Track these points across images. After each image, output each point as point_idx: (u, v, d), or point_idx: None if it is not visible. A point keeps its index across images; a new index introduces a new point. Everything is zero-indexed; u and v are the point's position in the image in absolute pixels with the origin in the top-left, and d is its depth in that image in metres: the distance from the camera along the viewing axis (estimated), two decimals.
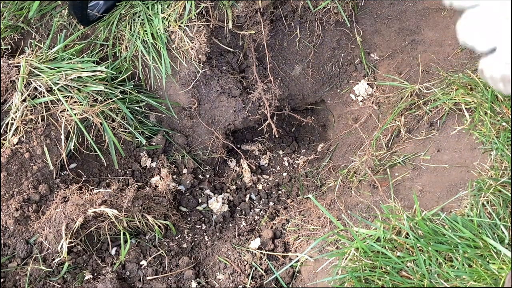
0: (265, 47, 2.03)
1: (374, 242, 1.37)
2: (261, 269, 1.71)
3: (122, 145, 1.85)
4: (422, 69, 1.92)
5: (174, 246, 1.75)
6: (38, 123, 1.67)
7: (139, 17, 1.83)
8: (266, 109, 2.03)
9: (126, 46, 1.88)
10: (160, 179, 1.87)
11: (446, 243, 1.30)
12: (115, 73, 1.84)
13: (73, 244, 1.58)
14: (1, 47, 1.82)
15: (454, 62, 1.91)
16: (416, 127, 1.75)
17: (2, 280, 1.52)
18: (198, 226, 1.89)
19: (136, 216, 1.65)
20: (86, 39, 1.88)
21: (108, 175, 1.85)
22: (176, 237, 1.80)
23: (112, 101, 1.79)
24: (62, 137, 1.68)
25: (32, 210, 1.62)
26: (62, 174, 1.74)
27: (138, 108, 1.92)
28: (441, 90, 1.71)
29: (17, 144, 1.63)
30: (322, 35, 2.11)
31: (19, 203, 1.60)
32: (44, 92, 1.65)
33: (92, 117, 1.72)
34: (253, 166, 2.19)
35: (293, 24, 2.08)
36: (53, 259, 1.57)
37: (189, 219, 1.90)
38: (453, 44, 1.91)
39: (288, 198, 2.07)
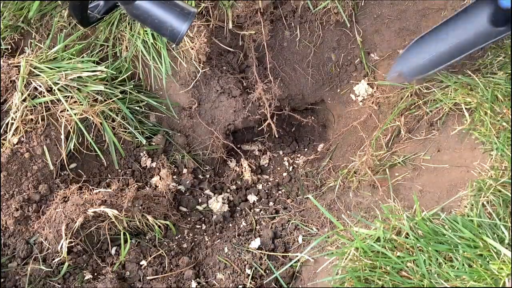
0: (265, 47, 2.03)
1: (374, 242, 1.37)
2: (261, 269, 1.71)
3: (122, 145, 1.85)
4: None
5: (174, 246, 1.75)
6: (38, 123, 1.67)
7: None
8: (266, 109, 2.04)
9: (126, 46, 1.88)
10: (160, 179, 1.87)
11: (446, 243, 1.30)
12: (115, 73, 1.84)
13: (73, 244, 1.58)
14: (1, 47, 1.82)
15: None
16: (416, 127, 1.75)
17: (2, 280, 1.52)
18: (198, 226, 1.89)
19: (136, 216, 1.65)
20: (86, 39, 1.88)
21: (108, 175, 1.84)
22: (176, 237, 1.80)
23: (112, 101, 1.79)
24: (62, 137, 1.68)
25: (32, 210, 1.62)
26: (62, 174, 1.74)
27: (138, 108, 1.92)
28: (441, 90, 1.71)
29: (17, 144, 1.63)
30: (322, 35, 2.11)
31: (19, 203, 1.60)
32: (44, 92, 1.65)
33: (92, 117, 1.72)
34: (253, 166, 2.19)
35: (293, 24, 2.08)
36: (53, 259, 1.57)
37: (189, 219, 1.90)
38: None
39: (288, 198, 2.07)
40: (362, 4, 2.05)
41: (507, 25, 1.60)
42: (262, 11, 1.97)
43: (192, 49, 1.85)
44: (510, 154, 1.42)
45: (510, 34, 1.59)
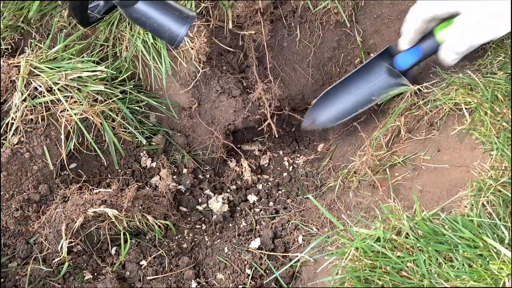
0: (265, 47, 2.03)
1: (374, 242, 1.37)
2: (261, 269, 1.71)
3: (122, 145, 1.85)
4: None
5: (174, 246, 1.75)
6: (38, 123, 1.67)
7: None
8: (266, 109, 2.04)
9: (126, 46, 1.88)
10: (160, 179, 1.87)
11: (446, 243, 1.30)
12: (115, 73, 1.84)
13: (73, 244, 1.58)
14: (1, 47, 1.82)
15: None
16: (416, 127, 1.75)
17: (2, 280, 1.52)
18: (198, 226, 1.89)
19: (136, 216, 1.65)
20: (86, 39, 1.88)
21: (108, 175, 1.85)
22: (176, 237, 1.81)
23: (112, 101, 1.79)
24: (62, 137, 1.68)
25: (32, 210, 1.62)
26: (62, 174, 1.74)
27: (138, 108, 1.92)
28: (441, 90, 1.71)
29: (17, 144, 1.63)
30: (322, 35, 2.11)
31: (19, 203, 1.60)
32: (44, 92, 1.65)
33: (92, 117, 1.72)
34: (253, 166, 2.19)
35: (293, 24, 2.08)
36: (53, 259, 1.57)
37: (189, 219, 1.90)
38: None
39: (288, 198, 2.07)
40: (362, 4, 2.05)
41: (401, 79, 1.82)
42: (262, 11, 1.97)
43: (192, 49, 1.85)
44: (510, 154, 1.42)
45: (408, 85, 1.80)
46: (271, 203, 2.05)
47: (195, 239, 1.83)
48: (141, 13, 1.35)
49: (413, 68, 1.82)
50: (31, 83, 1.65)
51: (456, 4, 1.58)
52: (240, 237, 1.84)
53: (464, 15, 1.56)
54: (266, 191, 2.11)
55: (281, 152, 2.36)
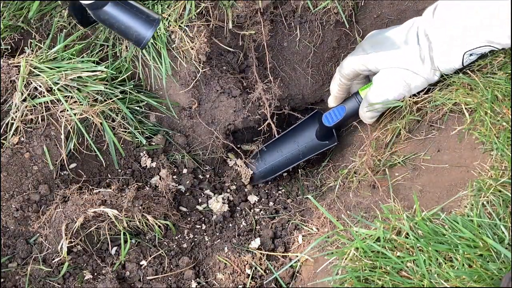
0: (265, 47, 2.03)
1: (374, 242, 1.37)
2: (261, 269, 1.71)
3: (122, 145, 1.85)
4: None
5: (174, 246, 1.75)
6: (38, 123, 1.67)
7: None
8: (266, 109, 2.03)
9: (126, 46, 1.88)
10: (160, 179, 1.87)
11: (446, 243, 1.30)
12: (115, 73, 1.84)
13: (73, 244, 1.58)
14: (1, 47, 1.82)
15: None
16: (416, 127, 1.75)
17: (2, 280, 1.52)
18: (198, 226, 1.89)
19: (136, 216, 1.65)
20: (86, 39, 1.88)
21: (108, 175, 1.85)
22: (176, 237, 1.81)
23: (112, 101, 1.79)
24: (62, 137, 1.68)
25: (32, 210, 1.62)
26: (62, 174, 1.74)
27: (138, 108, 1.92)
28: (441, 90, 1.71)
29: (17, 144, 1.63)
30: (322, 35, 2.11)
31: (19, 203, 1.60)
32: (44, 92, 1.65)
33: (92, 117, 1.72)
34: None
35: (293, 24, 2.08)
36: (53, 259, 1.57)
37: (189, 219, 1.90)
38: None
39: (288, 198, 2.07)
40: (362, 4, 2.05)
41: (328, 140, 2.07)
42: (262, 11, 1.97)
43: (192, 49, 1.85)
44: (510, 154, 1.42)
45: (332, 147, 2.08)
46: (271, 203, 2.05)
47: (195, 239, 1.83)
48: (109, 15, 1.40)
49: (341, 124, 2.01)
50: (31, 83, 1.65)
51: (374, 62, 1.74)
52: (240, 237, 1.84)
53: (382, 71, 1.73)
54: (266, 191, 2.11)
55: None
